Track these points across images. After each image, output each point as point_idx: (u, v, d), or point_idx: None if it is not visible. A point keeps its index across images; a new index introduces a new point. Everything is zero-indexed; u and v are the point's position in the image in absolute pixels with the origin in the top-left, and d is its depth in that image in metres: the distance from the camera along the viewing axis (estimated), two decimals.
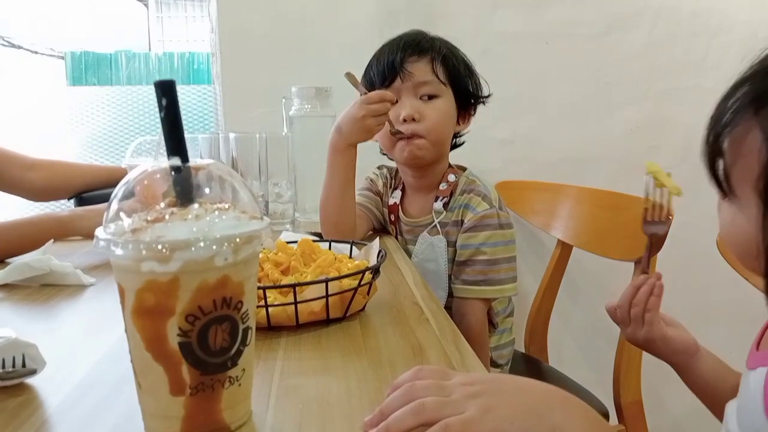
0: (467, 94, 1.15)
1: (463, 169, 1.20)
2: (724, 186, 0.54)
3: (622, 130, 1.69)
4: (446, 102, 1.12)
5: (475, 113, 1.19)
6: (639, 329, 0.80)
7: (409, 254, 1.17)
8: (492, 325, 1.18)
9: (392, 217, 1.24)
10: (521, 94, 1.65)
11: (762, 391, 0.54)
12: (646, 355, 1.15)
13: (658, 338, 0.79)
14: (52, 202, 1.67)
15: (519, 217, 1.54)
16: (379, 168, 1.30)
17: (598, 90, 1.68)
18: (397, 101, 1.10)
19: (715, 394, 0.76)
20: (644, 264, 0.87)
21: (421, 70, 1.10)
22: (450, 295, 1.14)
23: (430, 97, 1.11)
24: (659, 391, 1.64)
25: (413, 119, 1.09)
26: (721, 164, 0.54)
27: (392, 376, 0.56)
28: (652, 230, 0.86)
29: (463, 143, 1.24)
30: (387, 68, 1.11)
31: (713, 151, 0.54)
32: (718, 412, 0.72)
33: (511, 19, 1.63)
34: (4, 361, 0.54)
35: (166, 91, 0.43)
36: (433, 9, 1.60)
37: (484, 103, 1.19)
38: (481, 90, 1.18)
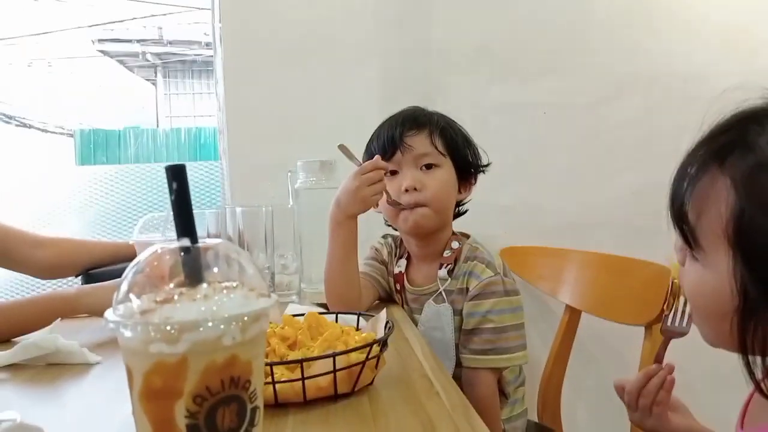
0: (466, 163, 1.18)
1: (467, 236, 1.21)
2: (692, 243, 0.56)
3: (623, 195, 1.71)
4: (446, 171, 1.15)
5: (475, 182, 1.22)
6: (646, 418, 0.79)
7: (415, 323, 1.16)
8: (504, 395, 1.15)
9: (398, 286, 1.24)
10: (521, 161, 1.68)
11: None
12: None
13: (665, 431, 0.78)
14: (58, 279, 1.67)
15: (526, 282, 1.54)
16: (384, 237, 1.31)
17: (598, 156, 1.71)
18: (395, 172, 1.14)
19: None
20: (658, 357, 0.86)
21: (420, 142, 1.13)
22: (458, 364, 1.12)
23: (430, 168, 1.14)
24: None
25: (415, 189, 1.12)
26: (687, 222, 0.56)
27: None
28: (670, 333, 0.86)
29: (465, 212, 1.26)
30: (387, 142, 1.14)
31: (678, 210, 0.57)
32: None
33: (507, 91, 1.68)
34: None
35: (176, 175, 0.44)
36: (432, 84, 1.66)
37: (483, 171, 1.22)
38: (480, 159, 1.21)
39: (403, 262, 1.24)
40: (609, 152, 1.71)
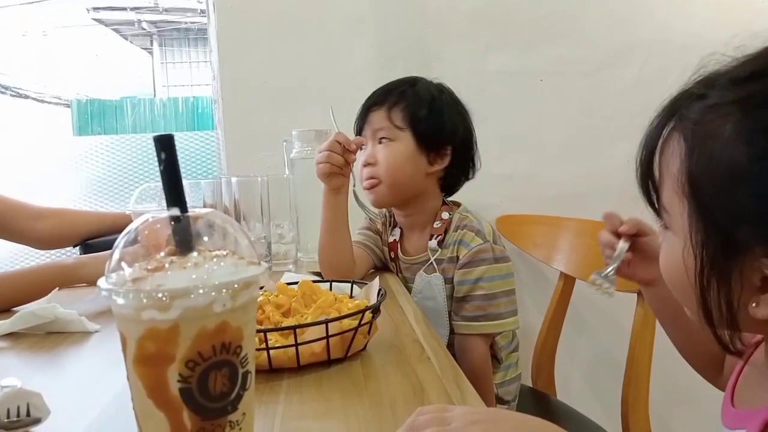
0: (430, 134, 1.15)
1: (458, 205, 1.22)
2: (657, 206, 0.55)
3: (619, 163, 1.70)
4: (400, 144, 1.15)
5: (453, 152, 1.18)
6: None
7: (410, 291, 1.18)
8: (496, 360, 1.17)
9: (392, 255, 1.25)
10: (518, 130, 1.68)
11: None
12: (654, 387, 1.15)
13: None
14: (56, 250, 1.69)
15: (521, 250, 1.55)
16: None
17: (594, 124, 1.70)
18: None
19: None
20: None
21: (377, 117, 1.17)
22: (452, 331, 1.14)
23: (385, 142, 1.16)
24: (668, 423, 1.62)
25: (369, 164, 1.16)
26: (654, 189, 0.55)
27: (393, 417, 0.56)
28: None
29: (457, 182, 1.24)
30: (357, 118, 1.20)
31: (644, 179, 0.56)
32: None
33: (504, 59, 1.66)
34: (9, 410, 0.54)
35: (164, 145, 0.44)
36: (429, 53, 1.64)
37: (453, 143, 1.17)
38: (458, 130, 1.17)
39: (397, 231, 1.26)
40: (606, 120, 1.70)
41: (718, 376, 0.79)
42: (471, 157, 1.22)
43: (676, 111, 0.53)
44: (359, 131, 1.20)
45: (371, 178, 1.17)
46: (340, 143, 1.08)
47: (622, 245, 0.81)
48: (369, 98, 1.19)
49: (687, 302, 0.55)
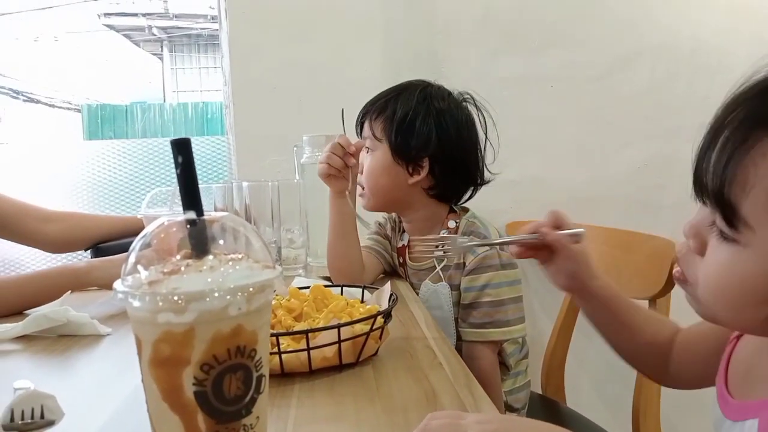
0: (401, 147, 1.14)
1: (466, 210, 1.21)
2: (734, 222, 0.49)
3: (628, 169, 1.70)
4: (378, 156, 1.17)
5: (432, 164, 1.15)
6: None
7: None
8: (506, 367, 1.17)
9: (401, 260, 1.25)
10: (527, 136, 1.68)
11: None
12: (664, 394, 1.14)
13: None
14: (68, 254, 1.69)
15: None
16: (388, 212, 1.32)
17: (603, 130, 1.70)
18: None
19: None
20: None
21: (366, 126, 1.20)
22: (459, 338, 1.14)
23: (370, 151, 1.18)
24: (679, 430, 1.60)
25: (359, 171, 1.18)
26: (726, 199, 0.49)
27: (405, 422, 0.56)
28: None
29: (454, 191, 1.21)
30: (356, 126, 1.23)
31: (716, 186, 0.49)
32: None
33: (513, 64, 1.66)
34: (23, 412, 0.55)
35: (181, 149, 0.45)
36: (438, 58, 1.64)
37: (428, 155, 1.14)
38: (428, 142, 1.13)
39: (405, 236, 1.26)
40: (616, 125, 1.70)
41: (665, 375, 0.78)
42: (461, 167, 1.18)
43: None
44: (360, 137, 1.22)
45: (361, 185, 1.20)
46: (341, 146, 1.09)
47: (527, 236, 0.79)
48: (364, 106, 1.22)
49: (740, 317, 0.52)
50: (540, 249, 0.80)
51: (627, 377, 1.20)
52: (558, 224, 0.79)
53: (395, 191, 1.17)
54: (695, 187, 0.52)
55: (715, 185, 0.49)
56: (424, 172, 1.15)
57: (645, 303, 1.16)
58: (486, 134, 1.21)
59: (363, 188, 1.20)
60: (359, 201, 1.20)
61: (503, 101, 1.63)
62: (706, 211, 0.53)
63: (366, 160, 1.19)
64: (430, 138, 1.14)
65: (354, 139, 1.14)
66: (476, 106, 1.21)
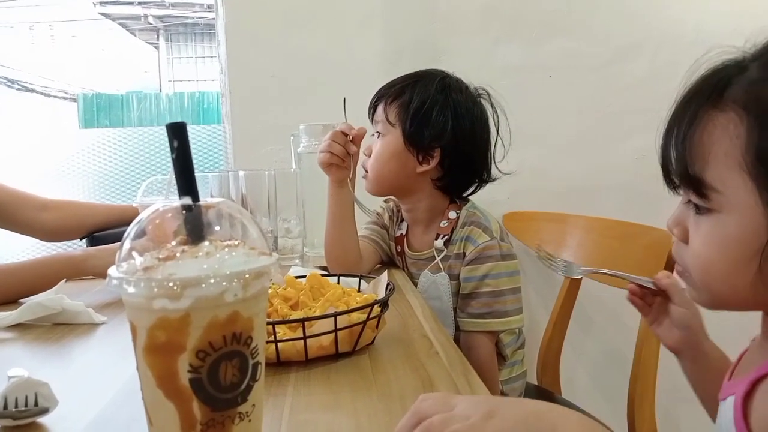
0: (415, 135, 1.13)
1: (467, 201, 1.21)
2: (704, 192, 0.53)
3: (628, 159, 1.70)
4: (388, 141, 1.15)
5: (443, 155, 1.14)
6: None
7: (415, 286, 1.17)
8: (502, 357, 1.17)
9: (398, 249, 1.25)
10: (526, 126, 1.66)
11: (732, 421, 0.53)
12: (660, 385, 1.14)
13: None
14: (64, 242, 1.69)
15: (528, 247, 1.54)
16: (386, 201, 1.32)
17: (603, 120, 1.69)
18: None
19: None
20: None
21: (380, 109, 1.18)
22: (457, 329, 1.13)
23: (380, 135, 1.17)
24: (675, 421, 1.61)
25: (366, 154, 1.18)
26: (691, 175, 0.53)
27: (402, 411, 0.56)
28: None
29: (461, 185, 1.20)
30: (369, 109, 1.21)
31: (679, 166, 0.54)
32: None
33: (513, 53, 1.66)
34: (17, 399, 0.54)
35: (177, 133, 0.44)
36: (438, 47, 1.63)
37: (441, 146, 1.13)
38: (442, 133, 1.12)
39: (404, 225, 1.25)
40: (615, 116, 1.69)
41: None
42: (471, 162, 1.17)
43: (715, 94, 0.52)
44: (371, 121, 1.21)
45: (365, 168, 1.19)
46: (343, 134, 1.09)
47: (643, 278, 0.80)
48: (379, 89, 1.20)
49: (730, 282, 0.54)
50: (651, 303, 0.79)
51: (622, 368, 1.21)
52: (672, 293, 0.78)
53: (402, 178, 1.16)
54: (666, 180, 0.57)
55: (680, 166, 0.54)
56: (434, 162, 1.14)
57: None
58: (498, 131, 1.20)
59: (366, 171, 1.19)
60: (362, 183, 1.20)
61: (503, 90, 1.62)
62: (682, 200, 0.58)
63: (375, 144, 1.18)
64: (445, 129, 1.13)
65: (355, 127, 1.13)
66: (491, 102, 1.20)
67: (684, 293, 0.76)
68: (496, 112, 1.20)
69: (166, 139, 0.45)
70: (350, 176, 1.12)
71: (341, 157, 1.09)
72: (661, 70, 1.68)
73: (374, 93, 1.20)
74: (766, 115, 0.49)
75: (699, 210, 0.55)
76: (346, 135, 1.09)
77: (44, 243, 1.66)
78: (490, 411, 0.45)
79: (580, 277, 0.88)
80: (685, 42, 1.67)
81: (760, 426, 0.51)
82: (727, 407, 0.55)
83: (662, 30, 1.68)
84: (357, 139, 1.10)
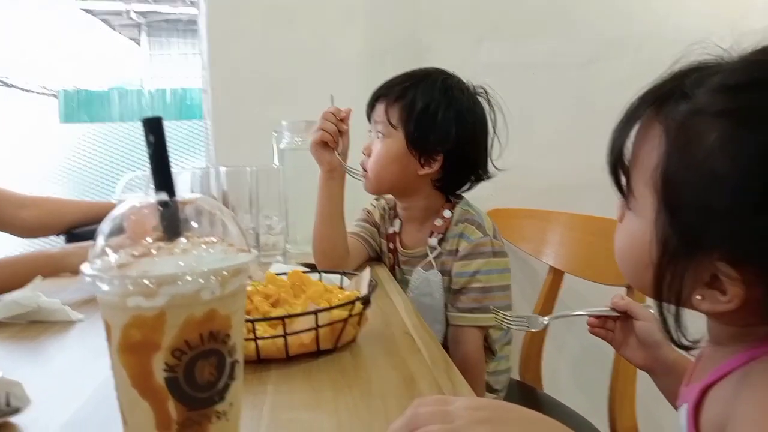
0: (418, 138, 1.12)
1: (460, 198, 1.21)
2: (626, 191, 0.55)
3: None
4: (391, 143, 1.14)
5: (446, 159, 1.13)
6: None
7: (407, 284, 1.17)
8: (491, 352, 1.17)
9: (391, 246, 1.24)
10: (509, 123, 1.67)
11: (686, 428, 0.54)
12: (640, 380, 1.15)
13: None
14: (41, 239, 1.66)
15: (510, 244, 1.54)
16: (377, 199, 1.31)
17: (586, 117, 1.69)
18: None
19: None
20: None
21: (379, 110, 1.16)
22: (448, 324, 1.13)
23: (381, 136, 1.16)
24: (654, 415, 1.62)
25: (365, 153, 1.18)
26: (623, 169, 0.56)
27: (384, 408, 0.55)
28: None
29: (458, 185, 1.21)
30: (367, 106, 1.19)
31: (616, 158, 0.56)
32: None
33: (496, 51, 1.66)
34: None
35: (153, 128, 0.43)
36: (421, 44, 1.63)
37: (444, 150, 1.12)
38: (446, 137, 1.11)
39: (397, 222, 1.25)
40: (598, 113, 1.68)
41: None
42: (472, 164, 1.18)
43: (659, 102, 0.53)
44: (368, 118, 1.20)
45: (363, 167, 1.18)
46: (333, 114, 1.10)
47: (601, 309, 0.83)
48: (379, 87, 1.18)
49: (638, 281, 0.57)
50: (613, 329, 0.82)
51: (604, 364, 1.21)
52: (633, 313, 0.80)
53: (402, 180, 1.16)
54: (608, 161, 0.58)
55: (611, 160, 0.57)
56: (436, 166, 1.14)
57: (623, 290, 1.17)
58: (495, 130, 1.20)
59: (365, 171, 1.18)
60: (360, 183, 1.20)
61: (486, 88, 1.63)
62: None
63: (375, 144, 1.16)
64: (450, 133, 1.11)
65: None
66: (489, 101, 1.20)
67: (643, 308, 0.79)
68: (494, 111, 1.20)
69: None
70: (339, 150, 1.12)
71: (333, 136, 1.09)
72: (644, 68, 1.67)
73: (359, 89, 1.20)
74: (682, 145, 0.49)
75: (624, 204, 0.58)
76: (335, 115, 1.11)
77: (19, 239, 1.63)
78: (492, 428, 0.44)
79: (543, 327, 0.92)
80: (668, 40, 1.67)
81: None
82: (682, 414, 0.55)
83: (645, 28, 1.69)
84: (346, 119, 1.12)
